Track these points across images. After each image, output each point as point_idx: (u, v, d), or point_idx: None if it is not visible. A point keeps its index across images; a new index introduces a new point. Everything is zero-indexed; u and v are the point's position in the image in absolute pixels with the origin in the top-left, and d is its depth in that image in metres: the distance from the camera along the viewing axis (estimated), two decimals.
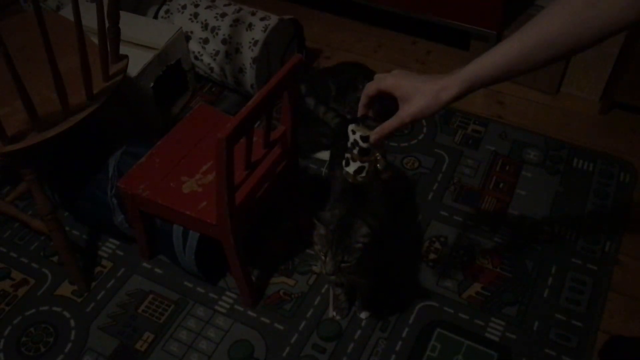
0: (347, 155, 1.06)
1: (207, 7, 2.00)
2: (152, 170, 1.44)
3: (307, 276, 1.60)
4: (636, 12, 0.75)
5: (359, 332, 1.48)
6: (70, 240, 1.53)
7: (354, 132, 1.03)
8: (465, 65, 0.89)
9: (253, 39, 1.91)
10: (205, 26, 1.97)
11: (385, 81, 0.95)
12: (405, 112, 0.93)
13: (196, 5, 2.01)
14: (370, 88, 0.98)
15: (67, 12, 1.94)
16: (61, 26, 1.53)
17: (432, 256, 1.63)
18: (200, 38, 1.98)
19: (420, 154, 1.90)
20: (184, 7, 2.02)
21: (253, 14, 1.96)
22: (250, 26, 1.93)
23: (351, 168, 1.07)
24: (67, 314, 1.54)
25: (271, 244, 1.67)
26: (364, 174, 1.07)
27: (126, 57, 1.50)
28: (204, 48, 1.99)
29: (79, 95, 1.37)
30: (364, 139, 1.01)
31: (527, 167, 1.86)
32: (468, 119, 2.01)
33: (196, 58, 2.03)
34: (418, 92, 0.92)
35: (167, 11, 2.03)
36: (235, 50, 1.93)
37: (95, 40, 1.42)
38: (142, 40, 1.89)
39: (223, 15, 1.97)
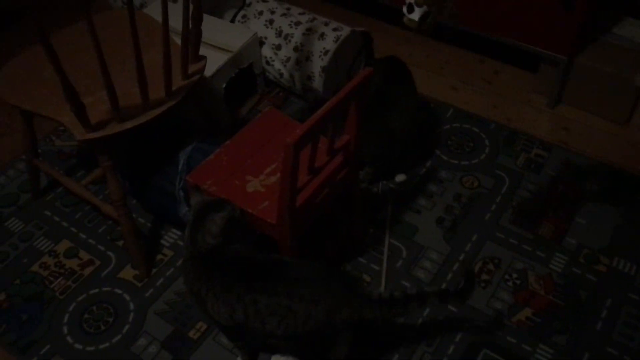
0: (409, 0, 0.96)
1: (283, 15, 2.06)
2: (219, 167, 1.50)
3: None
4: None
5: (404, 343, 1.50)
6: (136, 227, 1.61)
7: None
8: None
9: (324, 48, 1.96)
10: (279, 33, 2.04)
11: None
12: None
13: (272, 12, 2.08)
14: None
15: (150, 10, 2.05)
16: (144, 24, 1.62)
17: (484, 277, 1.63)
18: (274, 44, 2.05)
19: (480, 174, 1.90)
20: (261, 13, 2.09)
21: (326, 24, 2.02)
22: (322, 36, 1.98)
23: (416, 14, 0.97)
24: (127, 297, 1.62)
25: (324, 248, 1.71)
26: (430, 19, 0.98)
27: (204, 58, 1.57)
28: (276, 54, 2.05)
29: (158, 91, 1.45)
30: None
31: (588, 196, 1.83)
32: (532, 142, 1.99)
33: (267, 63, 2.09)
34: None
35: (244, 16, 2.11)
36: (306, 58, 1.99)
37: (176, 39, 1.50)
38: (219, 42, 1.97)
39: (297, 23, 2.03)
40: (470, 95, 2.18)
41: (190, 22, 1.44)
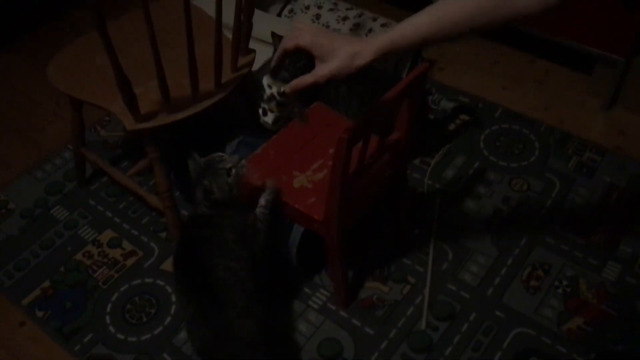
0: (265, 106, 1.12)
1: (330, 10, 2.04)
2: (266, 161, 1.48)
3: (401, 285, 1.59)
4: (541, 7, 0.91)
5: (450, 348, 1.46)
6: (181, 219, 1.61)
7: (270, 87, 1.08)
8: (384, 31, 1.01)
9: None
10: (326, 28, 2.01)
11: (304, 39, 0.98)
12: (320, 72, 0.99)
13: (319, 7, 2.06)
14: (288, 44, 1.00)
15: (198, 1, 2.04)
16: (194, 15, 1.61)
17: (533, 283, 1.58)
18: None
19: (529, 177, 1.84)
20: (308, 7, 2.07)
21: (374, 19, 1.98)
22: (370, 32, 1.95)
23: (269, 118, 1.13)
24: (169, 289, 1.61)
25: (370, 247, 1.68)
26: (281, 123, 1.14)
27: (254, 51, 1.56)
28: None
29: (208, 83, 1.44)
30: (281, 94, 1.07)
31: None
32: (584, 145, 1.93)
33: None
34: (334, 54, 0.97)
35: (290, 10, 2.10)
36: None
37: (225, 32, 1.48)
38: (264, 36, 1.95)
39: (345, 18, 2.00)
40: (520, 96, 2.12)
41: (242, 15, 1.42)
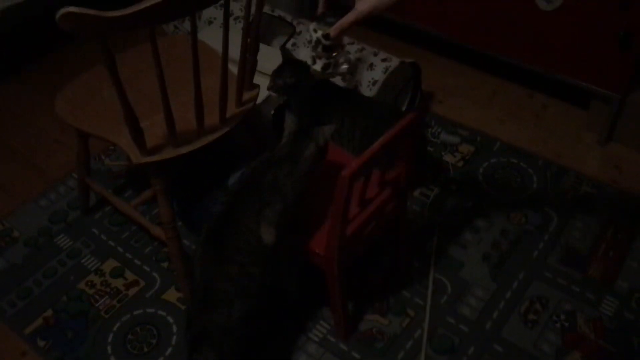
0: (312, 54, 1.16)
1: None
2: None
3: (401, 318, 1.60)
4: None
5: None
6: (183, 250, 1.63)
7: (315, 31, 1.13)
8: None
9: (372, 78, 1.97)
10: None
11: None
12: (361, 7, 1.03)
13: None
14: None
15: (202, 36, 2.09)
16: (200, 50, 1.65)
17: (531, 317, 1.60)
18: None
19: (528, 210, 1.87)
20: (310, 41, 2.11)
21: (375, 54, 2.03)
22: (371, 66, 1.99)
23: (318, 65, 1.18)
24: (170, 319, 1.63)
25: (370, 280, 1.70)
26: (330, 70, 1.19)
27: (258, 86, 1.60)
28: None
29: (212, 117, 1.47)
30: (326, 37, 1.12)
31: None
32: (581, 180, 1.96)
33: None
34: None
35: (293, 44, 2.14)
36: (354, 88, 2.00)
37: (229, 66, 1.52)
38: (268, 70, 1.99)
39: (346, 53, 2.04)
40: (517, 130, 2.16)
41: (247, 51, 1.46)
